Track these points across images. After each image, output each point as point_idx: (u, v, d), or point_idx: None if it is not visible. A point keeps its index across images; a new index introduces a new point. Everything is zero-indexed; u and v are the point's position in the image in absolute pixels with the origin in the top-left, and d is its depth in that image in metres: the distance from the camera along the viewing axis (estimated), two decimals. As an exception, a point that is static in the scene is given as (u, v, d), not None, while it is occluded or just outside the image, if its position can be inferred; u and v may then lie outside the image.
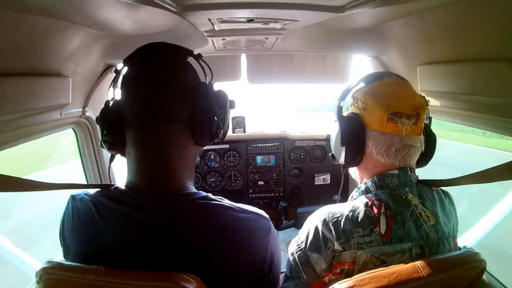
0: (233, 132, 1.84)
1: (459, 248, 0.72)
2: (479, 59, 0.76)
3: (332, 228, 0.67)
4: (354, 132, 0.74)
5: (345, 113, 0.80)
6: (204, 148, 1.72)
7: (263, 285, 0.63)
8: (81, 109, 1.17)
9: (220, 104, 0.64)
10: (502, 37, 0.67)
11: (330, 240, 0.66)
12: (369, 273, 0.57)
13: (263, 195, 1.83)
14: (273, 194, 1.83)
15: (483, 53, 0.74)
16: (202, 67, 0.66)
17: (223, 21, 0.94)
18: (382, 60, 1.31)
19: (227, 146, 1.76)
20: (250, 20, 0.94)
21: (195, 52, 0.66)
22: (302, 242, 0.71)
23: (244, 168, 1.79)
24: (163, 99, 0.60)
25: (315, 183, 1.83)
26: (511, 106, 0.71)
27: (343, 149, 0.75)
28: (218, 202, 0.60)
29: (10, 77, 0.70)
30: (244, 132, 1.84)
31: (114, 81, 0.66)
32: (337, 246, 0.65)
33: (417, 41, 0.97)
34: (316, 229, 0.69)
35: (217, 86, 0.65)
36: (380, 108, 0.70)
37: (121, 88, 0.63)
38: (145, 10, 0.74)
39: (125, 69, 0.64)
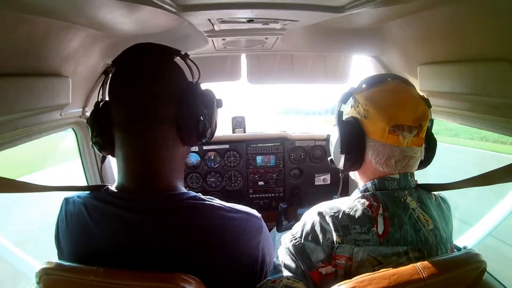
0: (233, 132, 1.83)
1: (460, 249, 0.71)
2: (479, 59, 0.75)
3: (329, 221, 0.67)
4: (354, 141, 0.73)
5: (344, 115, 0.79)
6: (204, 148, 1.73)
7: (256, 285, 0.63)
8: (81, 109, 1.17)
9: (207, 103, 0.63)
10: (502, 37, 0.67)
11: (329, 231, 0.67)
12: (369, 275, 0.57)
13: (263, 195, 1.82)
14: (273, 195, 1.82)
15: (483, 53, 0.74)
16: (189, 67, 0.65)
17: (223, 21, 0.94)
18: (382, 60, 1.30)
19: (227, 146, 1.76)
20: (250, 20, 0.94)
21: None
22: (297, 232, 0.71)
23: (244, 168, 1.79)
24: (149, 99, 0.59)
25: (315, 183, 1.83)
26: (511, 106, 0.71)
27: (343, 156, 0.74)
28: (207, 202, 0.60)
29: (10, 77, 0.70)
30: (244, 132, 1.84)
31: (104, 82, 0.66)
32: (336, 238, 0.65)
33: (417, 41, 0.97)
34: (313, 221, 0.69)
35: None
36: (382, 119, 0.68)
37: (109, 89, 0.63)
38: (145, 10, 0.74)
39: (114, 70, 0.64)
